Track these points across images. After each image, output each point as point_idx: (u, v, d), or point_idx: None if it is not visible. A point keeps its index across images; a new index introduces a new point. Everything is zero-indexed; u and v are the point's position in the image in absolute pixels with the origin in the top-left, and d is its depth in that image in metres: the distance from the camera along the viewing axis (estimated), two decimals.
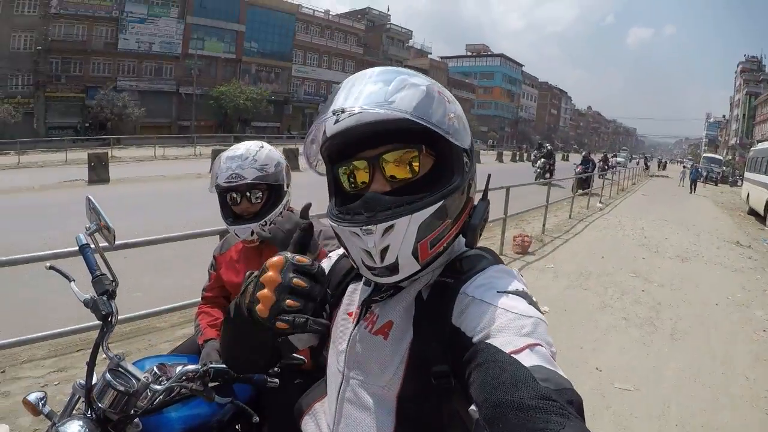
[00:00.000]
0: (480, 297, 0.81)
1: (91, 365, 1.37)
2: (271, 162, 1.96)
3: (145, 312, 3.99)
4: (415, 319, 0.89)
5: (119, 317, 3.70)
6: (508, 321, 0.75)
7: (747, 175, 21.67)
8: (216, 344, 1.84)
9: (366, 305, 0.99)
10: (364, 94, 0.83)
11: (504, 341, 0.71)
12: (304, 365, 1.34)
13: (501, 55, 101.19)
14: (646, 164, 46.80)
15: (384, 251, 0.85)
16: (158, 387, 1.41)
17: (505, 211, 8.36)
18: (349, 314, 1.03)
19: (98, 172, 16.53)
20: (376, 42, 68.28)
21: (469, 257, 0.93)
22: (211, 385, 1.44)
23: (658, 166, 59.16)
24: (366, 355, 0.94)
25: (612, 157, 25.80)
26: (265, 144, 2.05)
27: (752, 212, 18.96)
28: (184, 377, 1.44)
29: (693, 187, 28.75)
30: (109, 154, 20.28)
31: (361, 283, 1.04)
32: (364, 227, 0.84)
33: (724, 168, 48.70)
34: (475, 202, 0.98)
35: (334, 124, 0.89)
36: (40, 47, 40.08)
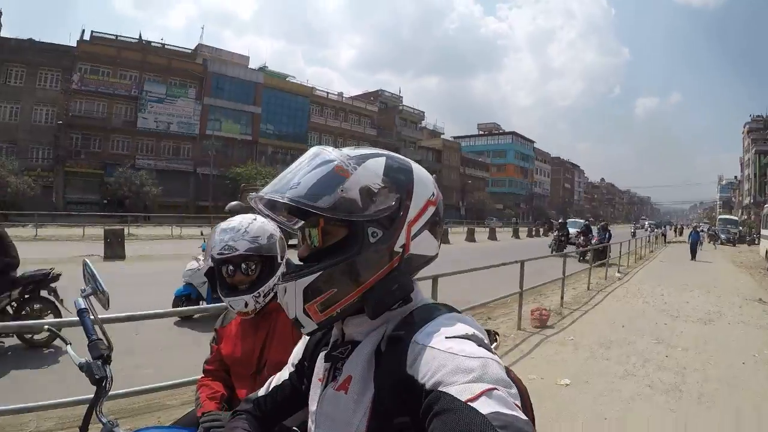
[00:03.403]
0: (429, 344, 0.82)
1: (83, 430, 1.37)
2: (263, 234, 2.00)
3: (151, 386, 3.93)
4: (376, 373, 0.91)
5: (128, 391, 3.69)
6: (457, 364, 0.75)
7: (763, 232, 21.62)
8: (214, 416, 1.81)
9: (331, 363, 1.04)
10: (289, 176, 0.96)
11: (459, 389, 0.71)
12: None
13: (512, 133, 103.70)
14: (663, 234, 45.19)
15: (286, 307, 0.99)
16: None
17: (521, 284, 8.24)
18: (319, 380, 1.06)
19: (114, 249, 16.61)
20: (389, 123, 69.87)
21: (421, 309, 0.97)
22: None
23: (675, 232, 58.79)
24: (331, 412, 0.97)
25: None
26: (259, 217, 2.07)
27: None
28: None
29: (693, 253, 24.91)
30: (126, 231, 20.40)
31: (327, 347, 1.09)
32: (278, 285, 1.02)
33: (741, 228, 48.37)
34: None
35: None
36: (60, 122, 41.55)
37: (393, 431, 0.84)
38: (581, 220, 33.49)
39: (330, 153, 0.96)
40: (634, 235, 33.50)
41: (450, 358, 0.77)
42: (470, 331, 0.85)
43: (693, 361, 6.47)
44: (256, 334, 2.04)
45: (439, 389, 0.73)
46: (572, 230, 27.98)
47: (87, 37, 46.44)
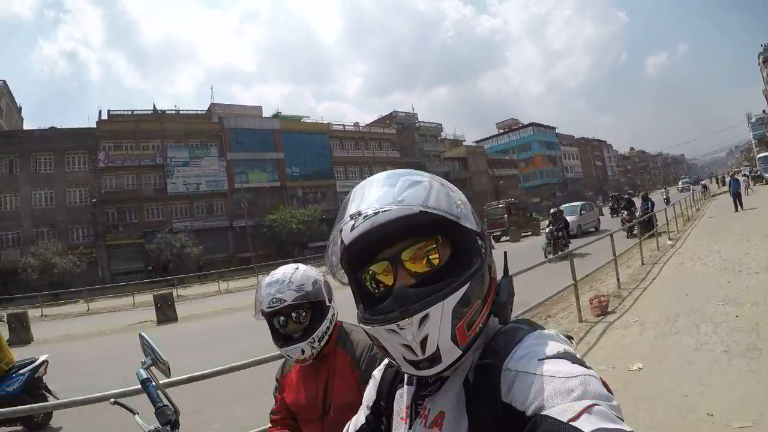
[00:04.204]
0: (523, 369, 0.80)
1: None
2: (308, 281, 2.03)
3: None
4: (467, 405, 0.87)
5: None
6: (556, 387, 0.73)
7: None
8: None
9: (414, 402, 0.99)
10: (374, 199, 0.88)
11: (560, 410, 0.69)
12: None
13: (532, 124, 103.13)
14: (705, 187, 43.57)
15: (424, 342, 0.86)
16: None
17: (573, 275, 8.14)
18: (402, 419, 1.03)
19: (165, 312, 17.05)
20: (409, 142, 69.87)
21: (504, 332, 0.92)
22: None
23: (718, 184, 57.41)
24: None
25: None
26: (301, 265, 2.12)
27: None
28: None
29: (737, 202, 22.94)
30: (174, 294, 21.02)
31: (405, 385, 1.05)
32: (400, 322, 0.85)
33: None
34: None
35: (350, 231, 0.92)
36: (95, 200, 43.75)
37: None
38: (578, 203, 29.57)
39: (415, 173, 0.94)
40: (667, 201, 31.25)
41: (548, 381, 0.75)
42: (561, 348, 0.83)
43: (766, 316, 6.23)
44: (317, 378, 2.07)
45: (540, 413, 0.71)
46: (570, 218, 22.62)
47: (105, 116, 48.49)
